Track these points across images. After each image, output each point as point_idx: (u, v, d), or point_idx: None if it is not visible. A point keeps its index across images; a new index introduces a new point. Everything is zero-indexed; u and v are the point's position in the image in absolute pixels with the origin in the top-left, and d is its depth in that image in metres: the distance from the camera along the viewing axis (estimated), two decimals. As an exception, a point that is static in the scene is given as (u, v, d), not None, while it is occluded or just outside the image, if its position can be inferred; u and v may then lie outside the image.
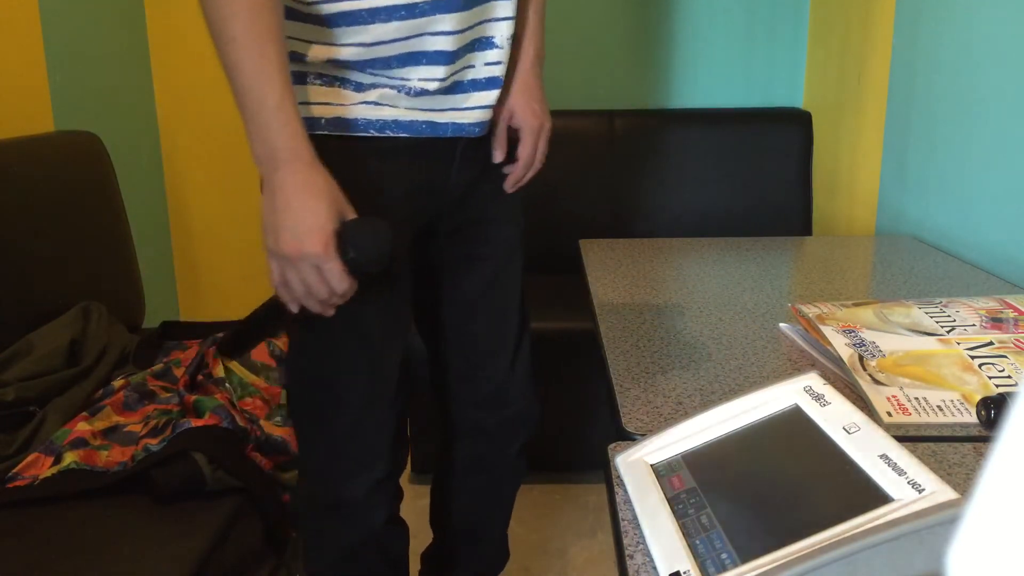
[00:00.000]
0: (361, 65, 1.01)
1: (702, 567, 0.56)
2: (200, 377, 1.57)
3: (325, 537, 1.21)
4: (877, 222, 2.00)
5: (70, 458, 1.34)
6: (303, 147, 0.92)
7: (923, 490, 0.54)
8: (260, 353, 1.67)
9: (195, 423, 1.38)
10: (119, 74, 2.37)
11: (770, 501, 0.60)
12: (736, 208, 2.45)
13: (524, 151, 1.17)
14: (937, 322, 1.01)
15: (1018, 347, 0.93)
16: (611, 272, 1.45)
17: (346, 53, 0.99)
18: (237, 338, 1.06)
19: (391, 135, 1.03)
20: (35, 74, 1.98)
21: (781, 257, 1.54)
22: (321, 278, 0.93)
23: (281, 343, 1.76)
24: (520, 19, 1.14)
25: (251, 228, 2.62)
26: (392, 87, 1.02)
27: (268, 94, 0.89)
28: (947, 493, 0.53)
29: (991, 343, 0.94)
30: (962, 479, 0.72)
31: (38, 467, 1.35)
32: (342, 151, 1.01)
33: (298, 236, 0.91)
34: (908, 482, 0.55)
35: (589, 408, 2.14)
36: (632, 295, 1.30)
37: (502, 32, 1.08)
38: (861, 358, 0.93)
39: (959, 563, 0.24)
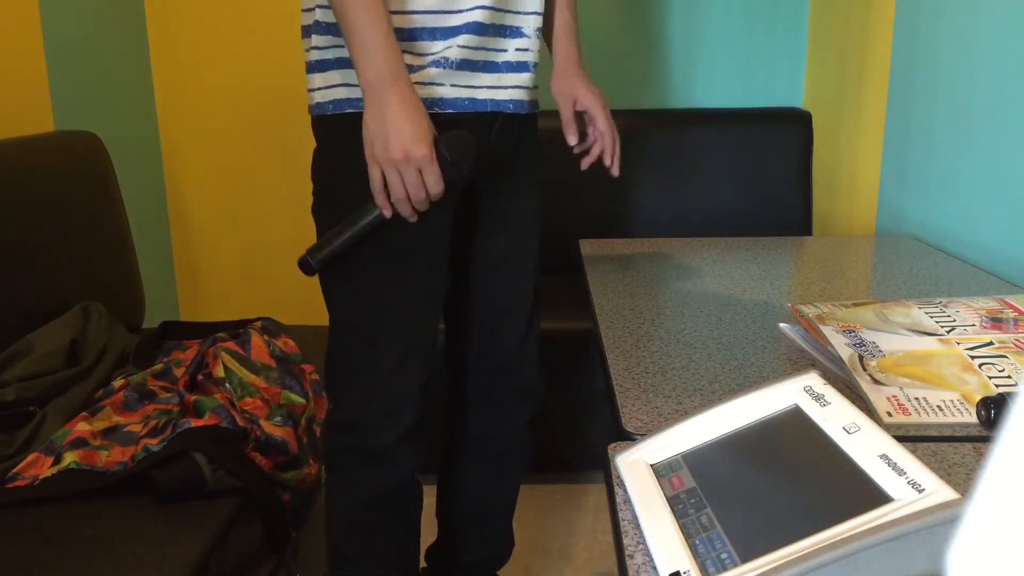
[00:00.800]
0: (417, 34, 1.13)
1: (702, 567, 0.56)
2: (200, 377, 1.57)
3: (354, 488, 1.28)
4: (877, 222, 2.00)
5: (70, 458, 1.34)
6: (405, 72, 1.08)
7: (923, 490, 0.54)
8: (260, 353, 1.67)
9: (195, 423, 1.38)
10: (119, 74, 2.37)
11: (770, 501, 0.60)
12: (736, 208, 2.45)
13: (602, 125, 1.34)
14: (937, 322, 1.01)
15: (1018, 347, 0.93)
16: (611, 272, 1.45)
17: (400, 21, 1.12)
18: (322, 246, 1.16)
19: (439, 111, 1.16)
20: (35, 74, 1.98)
21: (781, 257, 1.54)
22: (419, 180, 1.08)
23: (281, 343, 1.75)
24: (559, 21, 1.34)
25: (251, 228, 2.62)
26: (437, 64, 1.14)
27: (379, 26, 1.06)
28: (947, 493, 0.53)
29: (991, 343, 0.94)
30: (962, 479, 0.72)
31: (38, 467, 1.35)
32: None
33: (406, 141, 1.06)
34: (908, 482, 0.55)
35: (589, 408, 2.14)
36: (632, 295, 1.30)
37: (529, 24, 1.22)
38: (861, 358, 0.93)
39: (959, 563, 0.24)
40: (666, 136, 2.46)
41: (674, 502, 0.64)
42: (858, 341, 0.97)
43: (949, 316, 1.02)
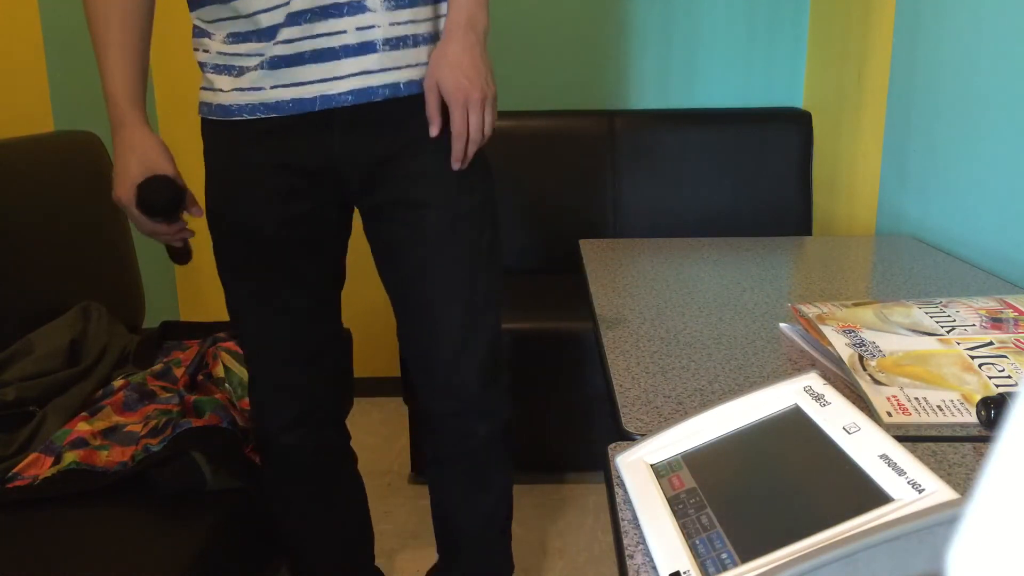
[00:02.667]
0: (244, 37, 1.11)
1: (702, 567, 0.56)
2: (200, 377, 1.57)
3: (266, 472, 1.37)
4: (877, 222, 2.00)
5: (70, 458, 1.34)
6: (124, 113, 1.14)
7: (923, 490, 0.54)
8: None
9: (195, 423, 1.38)
10: (119, 74, 2.37)
11: (770, 501, 0.60)
12: (736, 208, 2.45)
13: (453, 126, 1.14)
14: (937, 322, 1.00)
15: (1018, 347, 0.93)
16: (611, 272, 1.45)
17: (232, 26, 1.12)
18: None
19: (262, 116, 1.13)
20: (35, 74, 1.98)
21: (781, 257, 1.54)
22: (133, 218, 1.17)
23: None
24: None
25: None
26: (257, 66, 1.11)
27: (107, 73, 1.14)
28: (947, 493, 0.53)
29: (991, 343, 0.94)
30: (962, 479, 0.72)
31: (38, 467, 1.34)
32: (223, 135, 1.18)
33: (114, 185, 1.16)
34: (908, 482, 0.55)
35: (589, 408, 2.14)
36: (632, 295, 1.30)
37: None
38: (861, 358, 0.93)
39: (959, 563, 0.24)
40: (665, 137, 2.46)
41: (674, 502, 0.64)
42: (858, 341, 0.97)
43: (949, 316, 1.02)
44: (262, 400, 1.30)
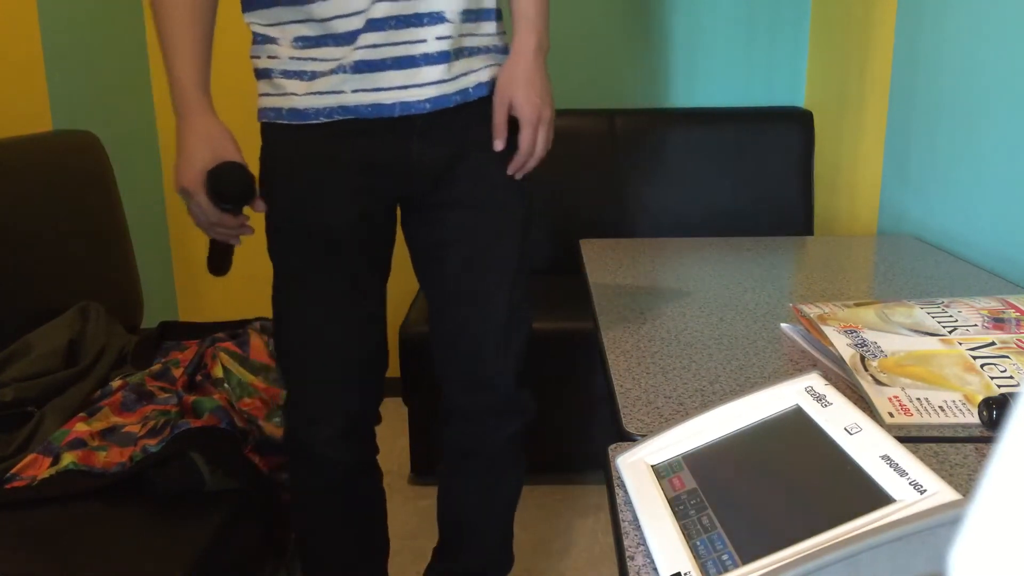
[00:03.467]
0: (323, 42, 1.12)
1: (703, 568, 0.56)
2: (199, 378, 1.57)
3: (298, 481, 1.34)
4: (879, 222, 1.99)
5: (68, 459, 1.34)
6: (192, 102, 1.13)
7: (925, 491, 0.54)
8: (259, 353, 1.67)
9: (194, 424, 1.37)
10: (118, 74, 2.37)
11: (771, 502, 0.59)
12: (737, 208, 2.44)
13: (523, 142, 1.20)
14: (939, 322, 1.00)
15: (1020, 347, 0.93)
16: (611, 272, 1.44)
17: (305, 30, 1.12)
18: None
19: (339, 119, 1.14)
20: (34, 74, 1.98)
21: (782, 257, 1.54)
22: (198, 210, 1.13)
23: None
24: (519, 7, 1.21)
25: (251, 228, 2.62)
26: (335, 70, 1.12)
27: (175, 62, 1.13)
28: (949, 494, 0.53)
29: (993, 343, 0.94)
30: (964, 480, 0.71)
31: (36, 468, 1.34)
32: (293, 137, 1.16)
33: (179, 172, 1.12)
34: (910, 483, 0.55)
35: (589, 408, 2.14)
36: (632, 295, 1.30)
37: (452, 7, 1.13)
38: (863, 358, 0.93)
39: (961, 564, 0.24)
40: (666, 136, 2.46)
41: (675, 503, 0.64)
42: (860, 341, 0.97)
43: (951, 316, 1.02)
44: (311, 412, 1.26)
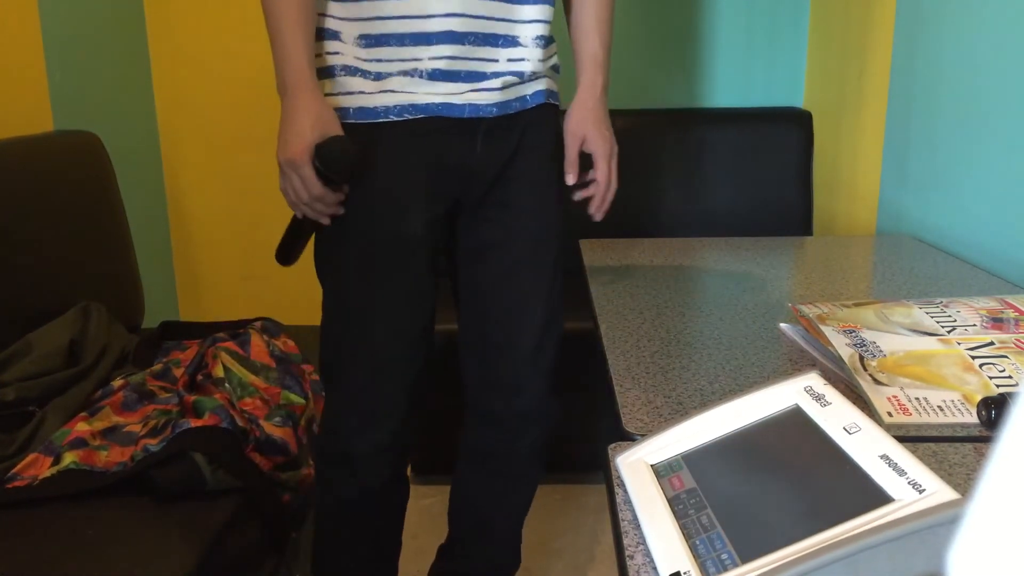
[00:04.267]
0: (385, 40, 1.13)
1: (702, 567, 0.56)
2: (199, 377, 1.57)
3: (331, 487, 1.31)
4: (878, 222, 2.00)
5: (69, 458, 1.34)
6: (303, 80, 1.11)
7: (924, 490, 0.54)
8: (260, 353, 1.67)
9: (194, 423, 1.37)
10: (119, 74, 2.37)
11: (770, 501, 0.60)
12: (736, 208, 2.44)
13: (601, 175, 1.29)
14: (938, 322, 1.00)
15: (1019, 347, 0.93)
16: (611, 272, 1.45)
17: (369, 27, 1.13)
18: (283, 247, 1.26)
19: (409, 118, 1.15)
20: (35, 74, 1.98)
21: (781, 257, 1.54)
22: (300, 184, 1.12)
23: (280, 343, 1.75)
24: (587, 49, 1.29)
25: (251, 228, 2.62)
26: (406, 72, 1.13)
27: (289, 38, 1.11)
28: (948, 493, 0.53)
29: (992, 343, 0.94)
30: (963, 479, 0.72)
31: (37, 467, 1.34)
32: (368, 136, 1.15)
33: (286, 145, 1.11)
34: (909, 482, 0.55)
35: (589, 408, 2.14)
36: (632, 295, 1.30)
37: (527, 33, 1.19)
38: (862, 358, 0.93)
39: (960, 563, 0.24)
40: (667, 136, 2.46)
41: (674, 502, 0.64)
42: (859, 341, 0.97)
43: (950, 316, 1.02)
44: (361, 421, 1.25)
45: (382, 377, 1.23)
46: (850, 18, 2.16)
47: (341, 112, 1.17)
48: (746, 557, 0.55)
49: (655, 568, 0.59)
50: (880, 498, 0.55)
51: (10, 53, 1.91)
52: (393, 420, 1.25)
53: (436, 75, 1.14)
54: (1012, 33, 1.41)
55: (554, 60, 1.29)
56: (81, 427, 1.42)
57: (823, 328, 1.00)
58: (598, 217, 1.33)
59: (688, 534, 0.60)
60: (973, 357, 0.92)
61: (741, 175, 2.44)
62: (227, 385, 1.56)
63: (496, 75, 1.17)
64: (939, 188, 1.68)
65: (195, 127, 2.58)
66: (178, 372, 1.63)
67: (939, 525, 0.49)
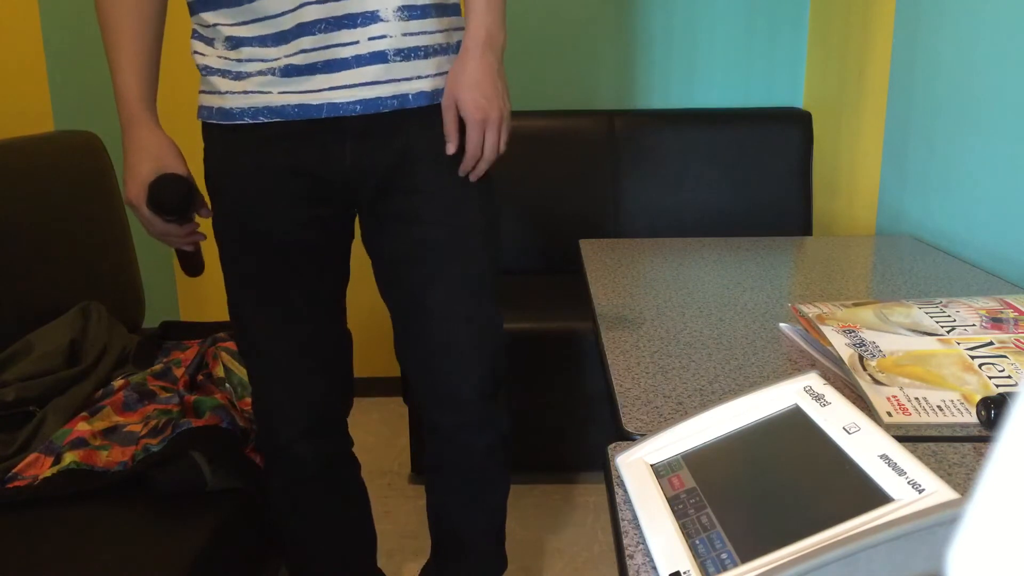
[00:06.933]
0: (247, 42, 1.11)
1: (702, 567, 0.56)
2: (200, 377, 1.57)
3: (271, 476, 1.34)
4: (877, 222, 2.00)
5: (70, 458, 1.34)
6: (136, 113, 1.14)
7: (923, 490, 0.54)
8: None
9: (195, 423, 1.38)
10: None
11: (770, 501, 0.60)
12: (736, 208, 2.45)
13: (468, 144, 1.14)
14: (937, 322, 1.00)
15: (1018, 347, 0.93)
16: (611, 272, 1.45)
17: (230, 31, 1.11)
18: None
19: (264, 121, 1.12)
20: (35, 74, 1.98)
21: (781, 257, 1.54)
22: (145, 220, 1.16)
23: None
24: (469, 1, 1.13)
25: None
26: (262, 72, 1.10)
27: (118, 70, 1.14)
28: (947, 493, 0.53)
29: (991, 343, 0.94)
30: (962, 479, 0.72)
31: (38, 467, 1.34)
32: (226, 139, 1.15)
33: (125, 186, 1.15)
34: (908, 482, 0.55)
35: (589, 408, 2.14)
36: (632, 295, 1.30)
37: (386, 4, 1.08)
38: (861, 358, 0.93)
39: (959, 563, 0.24)
40: (666, 136, 2.46)
41: (674, 502, 0.64)
42: (858, 341, 0.97)
43: (949, 316, 1.02)
44: (272, 410, 1.26)
45: (282, 370, 1.24)
46: (850, 18, 2.16)
47: (206, 111, 1.17)
48: (746, 557, 0.55)
49: (655, 568, 0.59)
50: (879, 498, 0.55)
51: (11, 53, 1.91)
52: (306, 407, 1.26)
53: (290, 71, 1.09)
54: (1011, 33, 1.41)
55: (441, 38, 1.15)
56: (82, 427, 1.42)
57: (823, 328, 1.00)
58: (472, 179, 1.19)
59: (688, 534, 0.60)
60: (972, 357, 0.92)
61: (741, 175, 2.44)
62: (227, 385, 1.56)
63: (358, 59, 1.08)
64: (939, 188, 1.68)
65: (195, 127, 2.57)
66: (178, 372, 1.63)
67: (938, 525, 0.49)
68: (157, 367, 1.65)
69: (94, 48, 2.24)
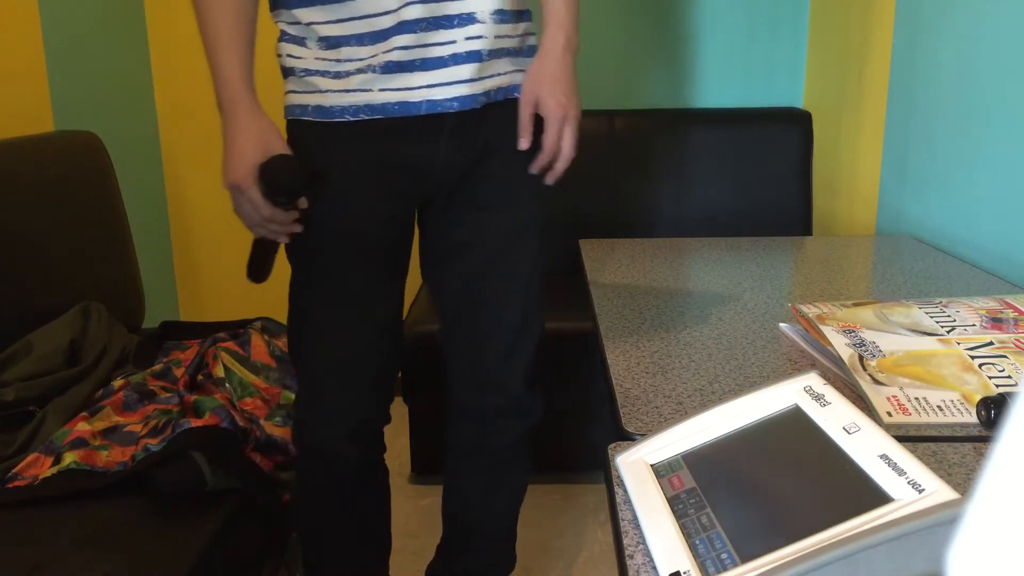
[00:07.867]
0: (344, 41, 1.12)
1: (702, 567, 0.56)
2: (200, 377, 1.57)
3: (305, 477, 1.33)
4: (877, 222, 2.00)
5: (70, 458, 1.34)
6: (239, 97, 1.10)
7: (923, 490, 0.54)
8: (260, 353, 1.67)
9: (195, 423, 1.38)
10: (119, 74, 2.37)
11: (770, 501, 0.60)
12: (736, 208, 2.45)
13: (547, 140, 1.19)
14: (937, 322, 1.00)
15: (1018, 347, 0.93)
16: (611, 272, 1.45)
17: (327, 30, 1.12)
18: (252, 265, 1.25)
19: (365, 118, 1.14)
20: (35, 74, 1.98)
21: (781, 257, 1.54)
22: (249, 206, 1.11)
23: (281, 343, 1.75)
24: (549, 7, 1.21)
25: (251, 228, 2.62)
26: (362, 70, 1.12)
27: (220, 53, 1.10)
28: (947, 493, 0.53)
29: (991, 343, 0.94)
30: (962, 479, 0.72)
31: (38, 467, 1.34)
32: (320, 135, 1.15)
33: (229, 168, 1.10)
34: (908, 482, 0.55)
35: (589, 408, 2.14)
36: (632, 295, 1.30)
37: (484, 7, 1.13)
38: (861, 358, 0.93)
39: (959, 563, 0.24)
40: (666, 136, 2.46)
41: (674, 502, 0.64)
42: (858, 341, 0.97)
43: (949, 316, 1.02)
44: (326, 412, 1.26)
45: (339, 374, 1.24)
46: (850, 18, 2.16)
47: (300, 109, 1.16)
48: (746, 557, 0.55)
49: (655, 568, 0.59)
50: (879, 498, 0.55)
51: (11, 53, 1.91)
52: (356, 413, 1.26)
53: (390, 67, 1.12)
54: (1012, 33, 1.41)
55: (531, 41, 1.24)
56: (82, 427, 1.42)
57: (823, 328, 1.00)
58: (548, 182, 1.24)
59: (688, 534, 0.60)
60: (972, 357, 0.92)
61: (741, 175, 2.44)
62: (227, 385, 1.56)
63: (455, 58, 1.13)
64: (939, 188, 1.68)
65: (195, 127, 2.58)
66: (178, 372, 1.63)
67: (938, 525, 0.49)
68: (157, 367, 1.65)
69: (94, 48, 2.24)
